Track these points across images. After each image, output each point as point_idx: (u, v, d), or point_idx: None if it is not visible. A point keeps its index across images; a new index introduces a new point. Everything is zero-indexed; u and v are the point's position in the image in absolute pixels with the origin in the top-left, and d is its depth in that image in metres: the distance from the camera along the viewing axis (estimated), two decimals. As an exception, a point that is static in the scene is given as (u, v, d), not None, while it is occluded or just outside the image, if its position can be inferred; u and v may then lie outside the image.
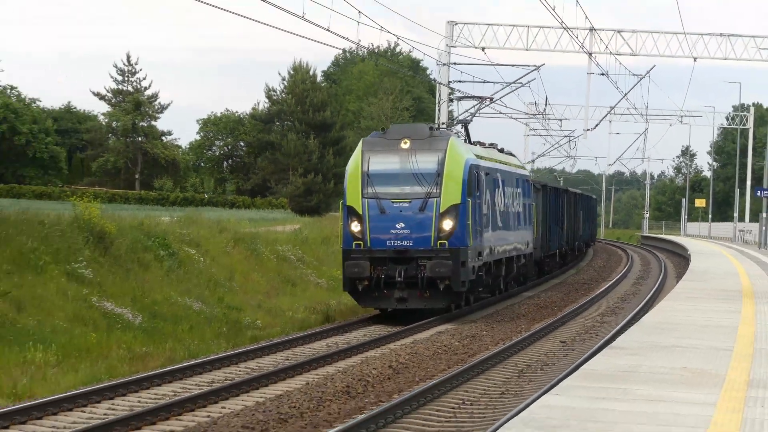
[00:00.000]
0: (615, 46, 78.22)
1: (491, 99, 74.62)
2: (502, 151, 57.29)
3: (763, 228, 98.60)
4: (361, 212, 37.48)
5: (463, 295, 40.62)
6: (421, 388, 27.76)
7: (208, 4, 37.57)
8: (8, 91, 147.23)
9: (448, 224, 36.52)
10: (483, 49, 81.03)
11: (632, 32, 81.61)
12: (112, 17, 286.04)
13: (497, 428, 17.14)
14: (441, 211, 36.75)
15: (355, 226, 37.17)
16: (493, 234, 44.18)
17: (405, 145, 38.39)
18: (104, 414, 24.45)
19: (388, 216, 37.59)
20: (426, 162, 38.18)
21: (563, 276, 78.25)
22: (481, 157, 42.90)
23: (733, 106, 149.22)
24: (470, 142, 49.27)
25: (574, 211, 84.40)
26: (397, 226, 36.91)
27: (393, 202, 37.42)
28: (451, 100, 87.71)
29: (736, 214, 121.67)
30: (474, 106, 78.99)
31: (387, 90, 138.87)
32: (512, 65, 77.47)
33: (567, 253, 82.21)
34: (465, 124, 54.22)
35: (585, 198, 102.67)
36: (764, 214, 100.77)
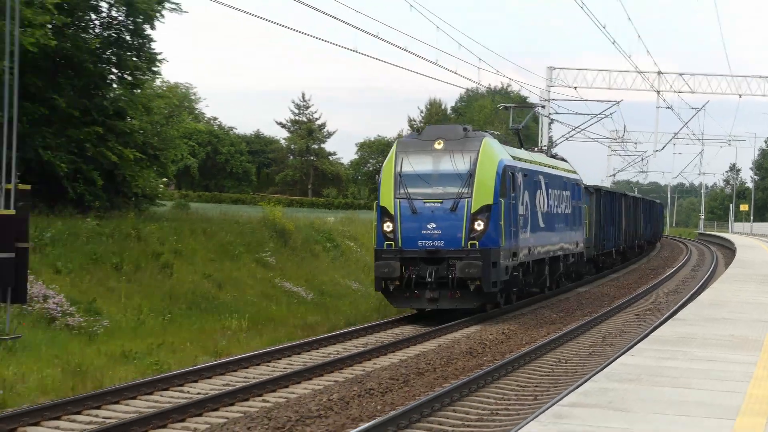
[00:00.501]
0: (678, 86, 78.10)
1: (579, 128, 76.10)
2: (554, 156, 51.91)
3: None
4: (393, 212, 32.43)
5: (497, 295, 34.80)
6: (527, 349, 27.79)
7: (365, 55, 37.22)
8: (212, 121, 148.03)
9: (479, 225, 31.68)
10: (575, 88, 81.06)
11: (691, 75, 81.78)
12: (292, 63, 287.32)
13: (586, 381, 16.99)
14: (473, 211, 31.78)
15: (387, 226, 32.16)
16: (533, 234, 38.75)
17: (438, 146, 33.45)
18: (284, 368, 24.57)
19: (419, 216, 32.46)
20: (458, 162, 33.08)
21: (637, 263, 74.22)
22: (519, 159, 37.70)
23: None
24: (522, 147, 44.79)
25: (634, 213, 76.84)
26: (428, 226, 31.85)
27: (425, 203, 32.41)
28: (550, 128, 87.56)
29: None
30: (568, 132, 79.83)
31: (501, 120, 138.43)
32: (597, 101, 77.20)
33: (626, 250, 73.44)
34: (517, 130, 48.58)
35: (647, 202, 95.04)
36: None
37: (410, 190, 32.22)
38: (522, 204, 36.08)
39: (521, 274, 36.58)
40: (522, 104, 47.93)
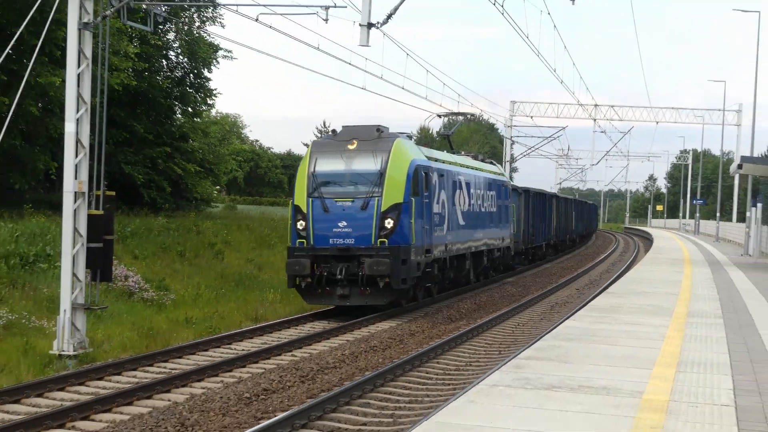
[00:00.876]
0: (609, 115, 78.72)
1: (534, 147, 77.51)
2: (482, 160, 44.40)
3: (696, 222, 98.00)
4: (305, 211, 27.79)
5: (409, 291, 29.38)
6: (493, 315, 27.86)
7: (371, 92, 36.17)
8: (254, 142, 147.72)
9: (389, 223, 27.02)
10: (531, 117, 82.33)
11: (620, 106, 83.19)
12: (315, 97, 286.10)
13: (538, 339, 17.03)
14: (383, 210, 27.16)
15: (300, 225, 27.58)
16: (451, 231, 33.37)
17: (352, 146, 28.67)
18: (308, 330, 24.64)
19: (331, 215, 27.79)
20: (370, 162, 28.38)
21: (571, 253, 71.05)
22: (435, 160, 32.49)
23: (680, 150, 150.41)
24: (452, 151, 39.68)
25: (566, 211, 69.97)
26: (339, 224, 27.28)
27: (336, 202, 27.77)
28: (512, 148, 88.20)
29: (680, 214, 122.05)
30: (526, 151, 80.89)
31: (474, 140, 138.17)
32: (548, 127, 79.28)
33: (557, 243, 66.01)
34: (447, 136, 42.90)
35: (579, 202, 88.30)
36: (697, 214, 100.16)
37: (323, 190, 27.90)
38: (438, 202, 31.39)
39: (437, 269, 31.51)
40: (453, 113, 45.20)
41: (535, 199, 54.54)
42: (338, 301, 27.22)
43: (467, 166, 37.48)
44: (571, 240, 75.52)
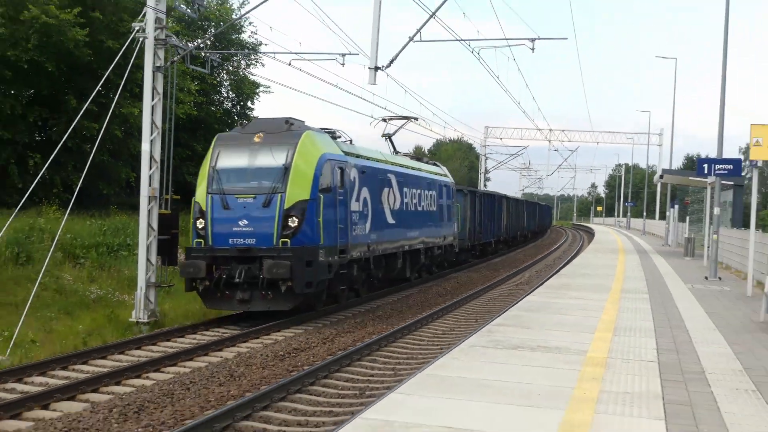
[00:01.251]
0: (561, 137, 78.61)
1: (502, 163, 77.76)
2: (425, 161, 36.19)
3: (628, 220, 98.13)
4: (205, 208, 21.34)
5: (322, 295, 22.57)
6: (472, 291, 27.59)
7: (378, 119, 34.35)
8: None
9: (293, 221, 20.61)
10: (501, 138, 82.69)
11: (569, 130, 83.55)
12: (336, 120, 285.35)
13: (506, 310, 16.96)
14: (286, 207, 20.76)
15: (200, 224, 21.15)
16: (376, 231, 25.98)
17: (258, 139, 22.15)
18: (333, 305, 24.34)
19: (231, 212, 21.20)
20: (275, 156, 21.72)
21: (524, 247, 64.12)
22: (356, 155, 25.44)
23: (615, 164, 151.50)
24: (395, 152, 32.40)
25: (516, 211, 61.01)
26: (240, 223, 20.83)
27: (238, 198, 21.28)
28: (486, 162, 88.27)
29: (616, 214, 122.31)
30: (496, 165, 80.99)
31: (457, 157, 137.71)
32: (514, 146, 79.77)
33: (508, 239, 57.11)
34: (389, 136, 33.85)
35: (531, 203, 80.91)
36: (628, 214, 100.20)
37: (224, 186, 21.21)
38: (357, 200, 24.35)
39: (357, 270, 24.33)
40: (398, 117, 34.53)
41: (483, 200, 46.33)
42: (238, 307, 20.64)
43: (403, 166, 29.90)
44: (523, 236, 67.34)
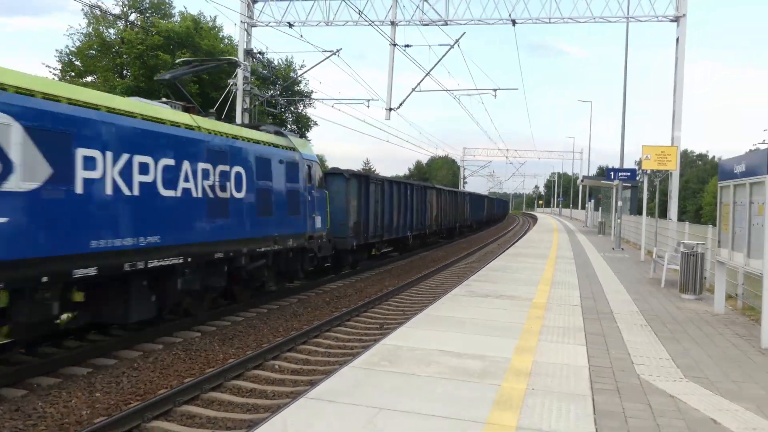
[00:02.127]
0: (515, 155, 77.81)
1: (474, 173, 76.38)
2: (256, 128, 14.36)
3: (560, 210, 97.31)
4: None
5: None
6: (455, 258, 27.20)
7: (389, 142, 31.64)
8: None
9: None
10: (474, 155, 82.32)
11: (520, 150, 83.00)
12: (360, 145, 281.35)
13: (478, 271, 16.83)
14: None
15: None
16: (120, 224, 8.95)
17: None
18: (359, 267, 24.09)
19: None
20: None
21: (487, 229, 63.26)
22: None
23: (551, 172, 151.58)
24: (191, 103, 12.22)
25: (454, 201, 39.49)
26: None
27: None
28: (464, 173, 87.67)
29: (552, 205, 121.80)
30: (470, 175, 79.69)
31: (445, 168, 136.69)
32: (483, 160, 78.89)
33: (441, 231, 35.90)
34: (164, 80, 13.55)
35: (476, 196, 55.18)
36: (561, 205, 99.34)
37: None
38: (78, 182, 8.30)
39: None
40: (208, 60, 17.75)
41: (383, 188, 24.12)
42: None
43: (157, 121, 10.03)
44: (466, 226, 46.98)
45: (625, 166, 28.19)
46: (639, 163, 24.06)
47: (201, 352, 10.17)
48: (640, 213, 26.30)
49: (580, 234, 37.05)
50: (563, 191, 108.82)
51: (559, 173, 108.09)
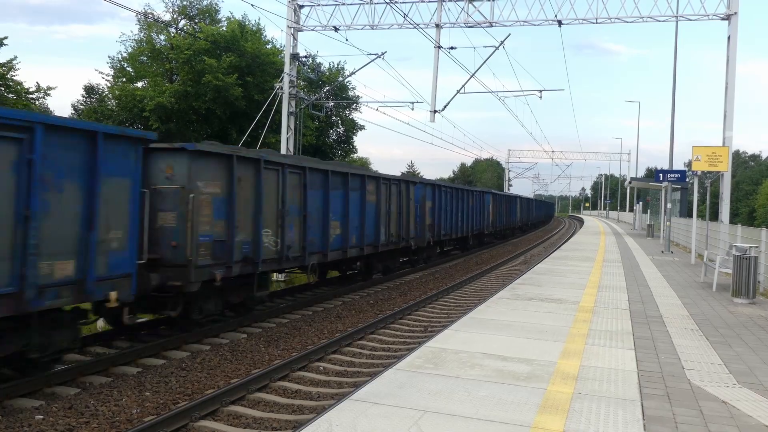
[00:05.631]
0: (560, 156, 76.72)
1: (519, 174, 75.57)
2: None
3: (607, 212, 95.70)
4: None
5: None
6: (500, 261, 27.08)
7: (436, 146, 31.73)
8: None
9: None
10: (519, 158, 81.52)
11: (566, 151, 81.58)
12: (403, 148, 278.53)
13: (523, 274, 16.66)
14: None
15: None
16: None
17: None
18: (405, 268, 24.10)
19: None
20: None
21: (535, 231, 63.79)
22: None
23: (598, 174, 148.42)
24: None
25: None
26: None
27: None
28: (509, 175, 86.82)
29: (599, 208, 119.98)
30: (514, 177, 78.90)
31: (489, 171, 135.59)
32: (529, 162, 77.91)
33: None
34: None
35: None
36: (608, 207, 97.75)
37: None
38: None
39: None
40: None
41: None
42: None
43: None
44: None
45: (675, 168, 27.58)
46: (689, 165, 23.53)
47: (247, 353, 10.29)
48: (690, 215, 25.72)
49: (628, 237, 36.36)
50: (610, 193, 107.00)
51: (606, 175, 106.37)
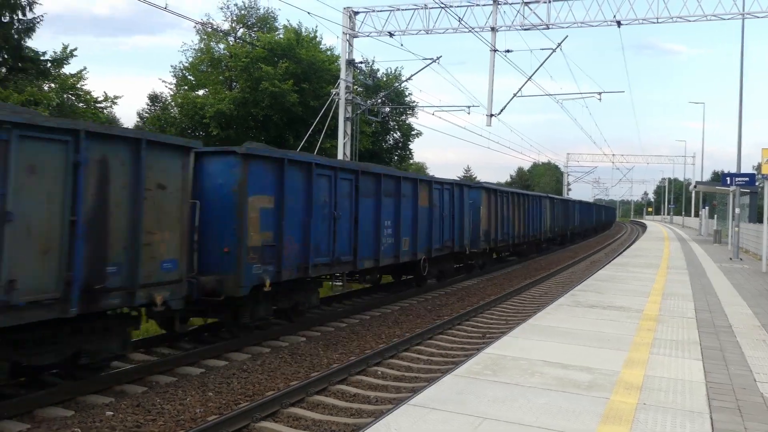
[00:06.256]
0: (620, 159, 74.99)
1: (578, 179, 73.92)
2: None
3: (671, 217, 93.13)
4: None
5: None
6: (559, 267, 26.69)
7: (493, 149, 31.10)
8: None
9: None
10: (578, 162, 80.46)
11: (626, 154, 79.80)
12: (464, 151, 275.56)
13: (584, 280, 16.39)
14: None
15: None
16: None
17: None
18: (462, 275, 23.97)
19: None
20: None
21: (598, 235, 62.55)
22: None
23: (661, 178, 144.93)
24: None
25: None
26: None
27: None
28: (568, 179, 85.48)
29: (662, 213, 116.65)
30: (574, 181, 77.45)
31: (548, 175, 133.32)
32: (588, 166, 76.43)
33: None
34: None
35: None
36: (672, 212, 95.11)
37: None
38: None
39: None
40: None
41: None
42: None
43: None
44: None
45: (743, 171, 26.66)
46: (758, 168, 22.69)
47: (306, 357, 10.42)
48: (760, 221, 24.84)
49: (693, 243, 35.33)
50: (674, 198, 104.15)
51: (669, 179, 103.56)
